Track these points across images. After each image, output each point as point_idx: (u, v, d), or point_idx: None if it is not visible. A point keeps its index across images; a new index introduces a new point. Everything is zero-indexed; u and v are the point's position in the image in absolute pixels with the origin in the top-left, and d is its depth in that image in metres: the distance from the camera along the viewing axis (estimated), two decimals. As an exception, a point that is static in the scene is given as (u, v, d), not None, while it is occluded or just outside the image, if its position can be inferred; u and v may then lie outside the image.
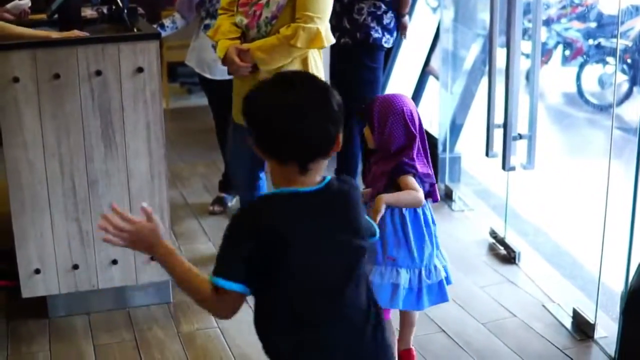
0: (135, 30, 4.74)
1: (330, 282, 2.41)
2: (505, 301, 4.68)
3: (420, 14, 8.22)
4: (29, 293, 4.48)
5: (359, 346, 2.46)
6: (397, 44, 8.03)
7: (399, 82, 8.02)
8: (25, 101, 4.20)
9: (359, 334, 2.45)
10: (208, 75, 5.76)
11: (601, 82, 9.30)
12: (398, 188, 3.62)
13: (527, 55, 5.13)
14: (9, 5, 4.88)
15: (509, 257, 5.21)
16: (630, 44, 7.72)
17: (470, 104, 6.63)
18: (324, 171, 2.43)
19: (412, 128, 3.69)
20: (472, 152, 6.56)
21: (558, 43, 10.08)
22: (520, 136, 4.84)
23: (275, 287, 2.38)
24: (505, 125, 4.82)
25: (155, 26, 5.63)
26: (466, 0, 6.77)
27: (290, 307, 2.40)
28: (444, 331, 4.39)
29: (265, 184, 4.79)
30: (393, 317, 3.94)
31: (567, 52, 10.06)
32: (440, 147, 6.59)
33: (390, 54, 7.98)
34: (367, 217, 2.61)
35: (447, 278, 3.82)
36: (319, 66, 4.43)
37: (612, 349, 4.08)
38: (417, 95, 7.57)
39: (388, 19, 5.74)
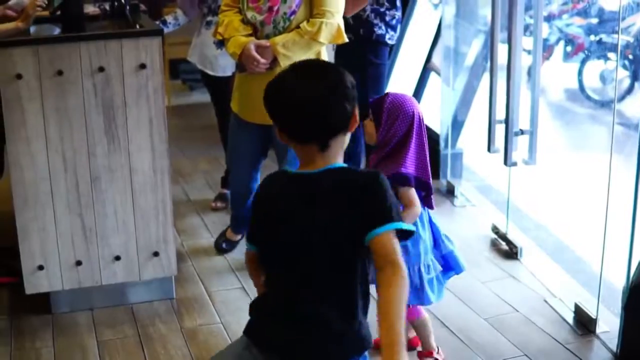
0: (137, 26, 4.75)
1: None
2: (507, 296, 4.69)
3: (421, 10, 8.23)
4: (32, 289, 4.50)
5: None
6: (399, 40, 8.04)
7: (401, 78, 8.03)
8: (28, 97, 4.21)
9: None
10: (210, 72, 5.77)
11: (602, 78, 9.31)
12: (396, 195, 3.62)
13: (529, 51, 5.14)
14: (11, 2, 4.88)
15: (511, 253, 5.22)
16: (631, 39, 7.73)
17: (471, 100, 6.63)
18: (344, 147, 2.60)
19: (420, 132, 3.69)
20: (474, 148, 6.57)
21: (560, 39, 10.09)
22: (522, 132, 4.85)
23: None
24: (506, 121, 4.83)
25: (157, 23, 5.64)
26: (468, -4, 6.78)
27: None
28: (446, 326, 4.40)
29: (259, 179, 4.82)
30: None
31: (569, 48, 10.07)
32: (442, 143, 6.60)
33: (392, 50, 7.98)
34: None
35: (457, 266, 3.89)
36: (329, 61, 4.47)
37: (613, 344, 4.09)
38: (418, 92, 7.58)
39: (390, 15, 5.74)
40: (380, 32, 5.70)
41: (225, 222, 5.61)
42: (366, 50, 5.75)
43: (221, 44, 5.01)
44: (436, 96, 6.98)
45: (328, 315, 2.54)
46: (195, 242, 5.52)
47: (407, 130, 3.66)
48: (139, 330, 4.45)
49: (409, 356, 2.29)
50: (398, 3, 5.77)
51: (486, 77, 5.43)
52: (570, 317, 4.42)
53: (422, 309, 3.96)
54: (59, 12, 5.04)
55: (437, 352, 4.05)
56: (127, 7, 4.99)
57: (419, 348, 4.10)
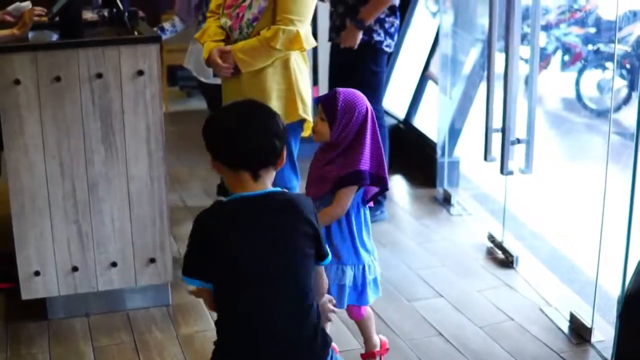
0: (135, 33, 4.76)
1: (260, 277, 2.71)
2: (502, 305, 4.70)
3: (419, 19, 8.25)
4: (29, 295, 4.50)
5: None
6: (396, 48, 8.06)
7: (399, 86, 8.05)
8: (26, 104, 4.22)
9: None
10: (204, 79, 5.77)
11: (600, 88, 9.32)
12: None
13: (526, 60, 5.15)
14: (10, 8, 4.89)
15: (506, 261, 5.23)
16: (628, 49, 7.73)
17: (469, 108, 6.65)
18: (271, 181, 2.79)
19: (374, 129, 3.65)
20: (470, 157, 6.58)
21: (557, 48, 10.10)
22: (519, 141, 4.86)
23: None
24: (503, 130, 4.84)
25: (155, 29, 5.65)
26: (465, 5, 6.79)
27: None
28: (441, 334, 4.41)
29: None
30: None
31: (567, 57, 10.08)
32: (439, 152, 6.61)
33: (389, 58, 8.00)
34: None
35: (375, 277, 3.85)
36: (302, 69, 4.48)
37: (609, 353, 4.10)
38: (416, 100, 7.60)
39: (389, 23, 5.77)
40: (378, 38, 5.72)
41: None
42: (365, 57, 5.77)
43: None
44: (433, 104, 7.00)
45: (306, 324, 2.75)
46: (192, 249, 5.51)
47: (360, 127, 3.61)
48: (134, 337, 4.46)
49: None
50: (397, 11, 5.80)
51: (483, 85, 5.44)
52: (565, 325, 4.43)
53: (366, 308, 3.93)
54: (57, 19, 5.05)
55: (380, 347, 4.04)
56: (126, 14, 5.00)
57: (362, 350, 4.08)
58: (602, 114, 8.67)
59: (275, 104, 4.26)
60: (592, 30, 9.67)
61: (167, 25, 6.02)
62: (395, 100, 7.99)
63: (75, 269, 4.48)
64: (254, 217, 2.71)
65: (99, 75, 4.28)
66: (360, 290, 3.74)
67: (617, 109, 8.13)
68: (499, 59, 4.96)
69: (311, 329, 2.76)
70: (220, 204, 2.77)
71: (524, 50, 5.15)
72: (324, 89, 7.19)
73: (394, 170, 6.94)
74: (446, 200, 6.32)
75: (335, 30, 5.90)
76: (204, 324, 4.54)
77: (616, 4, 4.27)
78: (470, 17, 6.84)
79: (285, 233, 2.71)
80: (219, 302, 2.76)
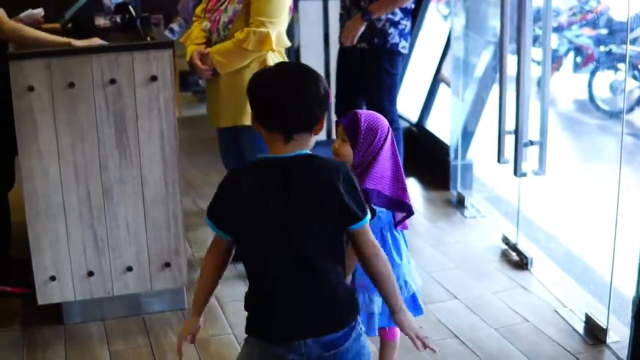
0: (148, 38, 4.78)
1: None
2: (517, 306, 4.70)
3: (431, 22, 8.25)
4: (44, 300, 4.51)
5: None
6: (409, 51, 8.06)
7: (411, 89, 8.05)
8: (40, 110, 4.24)
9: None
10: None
11: (612, 89, 9.32)
12: None
13: (538, 62, 5.15)
14: (22, 15, 4.91)
15: (521, 263, 5.22)
16: (640, 50, 7.74)
17: (481, 111, 6.64)
18: (310, 148, 2.71)
19: (394, 152, 3.56)
20: (484, 159, 6.58)
21: (569, 50, 10.11)
22: (532, 142, 4.86)
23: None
24: (516, 132, 4.84)
25: (166, 32, 5.70)
26: (477, 7, 6.80)
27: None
28: (456, 336, 4.41)
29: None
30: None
31: (579, 59, 10.09)
32: (452, 155, 6.61)
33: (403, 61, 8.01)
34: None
35: (417, 290, 3.75)
36: None
37: (624, 354, 4.09)
38: (428, 103, 7.60)
39: (403, 25, 5.79)
40: (394, 41, 5.76)
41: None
42: (382, 59, 5.80)
43: None
44: (446, 107, 7.00)
45: (330, 286, 2.72)
46: (206, 254, 5.53)
47: (380, 147, 3.51)
48: (150, 341, 4.47)
49: None
50: (410, 14, 5.82)
51: (496, 88, 5.44)
52: (580, 327, 4.43)
53: (397, 331, 3.89)
54: (70, 25, 5.08)
55: None
56: (138, 20, 5.02)
57: None
58: (614, 115, 8.67)
59: None
60: (604, 31, 9.68)
61: (175, 26, 6.11)
62: (408, 103, 7.99)
63: (90, 273, 4.50)
64: (277, 179, 2.65)
65: (113, 81, 4.29)
66: (390, 312, 3.68)
67: (630, 110, 8.13)
68: (510, 61, 4.97)
69: (332, 290, 2.72)
70: (252, 164, 2.74)
71: (536, 52, 5.15)
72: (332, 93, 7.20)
73: (407, 173, 6.92)
74: (460, 203, 6.32)
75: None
76: (220, 328, 4.55)
77: (627, 5, 4.27)
78: (482, 20, 6.85)
79: (306, 198, 2.64)
80: (243, 257, 2.76)
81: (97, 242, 4.47)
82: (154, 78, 4.33)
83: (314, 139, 2.72)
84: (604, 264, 4.55)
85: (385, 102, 5.87)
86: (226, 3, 4.65)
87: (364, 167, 3.53)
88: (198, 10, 4.84)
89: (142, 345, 4.43)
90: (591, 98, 9.32)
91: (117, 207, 4.45)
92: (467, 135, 6.64)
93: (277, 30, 4.59)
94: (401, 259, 3.67)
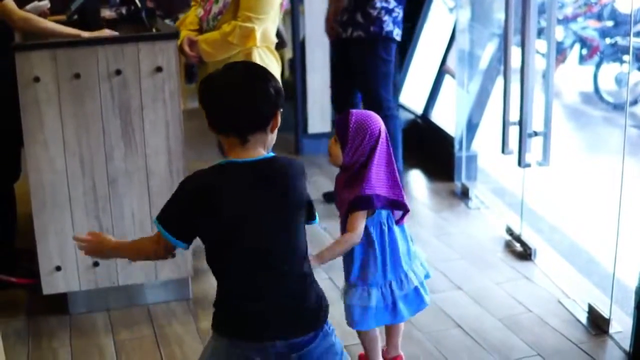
0: (153, 30, 4.80)
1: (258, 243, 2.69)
2: (521, 297, 4.71)
3: (436, 14, 8.26)
4: (50, 290, 4.53)
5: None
6: (414, 44, 8.08)
7: (416, 81, 8.06)
8: (46, 100, 4.25)
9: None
10: None
11: (618, 81, 9.32)
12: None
13: (543, 54, 5.16)
14: (28, 7, 4.92)
15: (524, 254, 5.24)
16: (645, 42, 7.72)
17: (486, 102, 6.66)
18: (268, 146, 2.74)
19: (388, 151, 3.52)
20: (488, 151, 6.59)
21: (575, 42, 10.10)
22: (536, 133, 4.87)
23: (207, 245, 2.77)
24: (520, 123, 4.85)
25: (171, 22, 5.73)
26: (482, 0, 6.81)
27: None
28: (460, 327, 4.42)
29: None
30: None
31: (584, 51, 10.09)
32: (456, 146, 6.62)
33: (406, 52, 8.03)
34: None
35: (421, 283, 3.72)
36: (267, 64, 4.67)
37: (627, 344, 4.10)
38: (433, 94, 7.62)
39: (397, 13, 5.83)
40: (388, 28, 5.81)
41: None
42: (378, 47, 5.84)
43: None
44: (451, 99, 7.01)
45: (304, 287, 2.77)
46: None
47: (371, 149, 3.47)
48: (155, 331, 4.49)
49: None
50: (404, 1, 5.87)
51: (500, 79, 5.45)
52: (583, 317, 4.44)
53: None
54: (76, 16, 5.09)
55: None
56: (143, 12, 5.04)
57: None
58: (619, 107, 8.68)
59: None
60: (610, 23, 9.68)
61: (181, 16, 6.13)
62: (413, 95, 8.01)
63: (96, 264, 4.51)
64: (247, 182, 2.65)
65: (118, 72, 4.31)
66: (391, 307, 3.69)
67: (634, 102, 8.13)
68: (515, 52, 4.98)
69: (304, 291, 2.76)
70: (218, 168, 2.69)
71: (540, 44, 5.16)
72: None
73: (412, 164, 6.96)
74: (464, 194, 6.33)
75: (342, 26, 5.93)
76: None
77: (632, -3, 4.28)
78: (487, 12, 6.85)
79: (270, 200, 2.67)
80: (211, 258, 2.76)
81: (103, 232, 4.48)
82: (159, 69, 4.35)
83: (272, 136, 2.73)
84: (607, 255, 4.56)
85: (381, 90, 5.90)
86: None
87: (356, 172, 3.51)
88: None
89: (147, 335, 4.45)
90: (596, 90, 9.33)
91: (122, 198, 4.46)
92: (471, 127, 6.65)
93: (264, 27, 4.64)
94: (398, 252, 3.64)
